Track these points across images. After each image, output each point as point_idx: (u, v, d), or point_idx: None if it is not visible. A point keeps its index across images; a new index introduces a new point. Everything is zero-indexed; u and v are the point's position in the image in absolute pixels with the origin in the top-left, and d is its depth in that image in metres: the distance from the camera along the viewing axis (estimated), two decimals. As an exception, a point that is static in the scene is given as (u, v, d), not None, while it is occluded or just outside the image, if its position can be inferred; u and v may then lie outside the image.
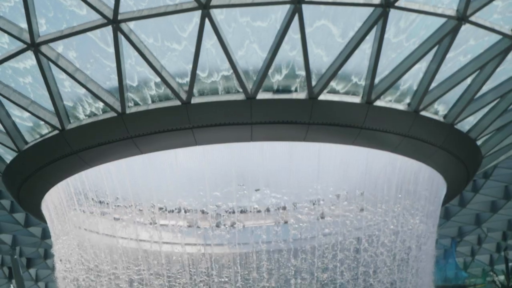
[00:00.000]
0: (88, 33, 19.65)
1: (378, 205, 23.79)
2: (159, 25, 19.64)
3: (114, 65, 19.94)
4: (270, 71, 20.20)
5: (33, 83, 21.43)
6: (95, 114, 21.48)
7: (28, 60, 20.59)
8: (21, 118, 22.70)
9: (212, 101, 20.64)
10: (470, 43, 20.85)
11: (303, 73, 20.22)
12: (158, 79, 20.44)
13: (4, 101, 22.02)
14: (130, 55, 20.06)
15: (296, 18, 18.81)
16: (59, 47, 20.08)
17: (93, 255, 24.48)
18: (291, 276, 23.89)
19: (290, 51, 20.09)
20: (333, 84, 20.67)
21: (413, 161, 23.58)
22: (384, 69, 20.78)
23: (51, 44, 19.86)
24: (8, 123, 22.64)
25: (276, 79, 20.58)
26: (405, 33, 20.22)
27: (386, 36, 19.54)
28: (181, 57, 20.22)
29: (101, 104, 21.20)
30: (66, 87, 21.21)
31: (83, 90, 20.97)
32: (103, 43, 19.97)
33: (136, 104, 21.03)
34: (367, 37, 19.64)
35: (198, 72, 20.09)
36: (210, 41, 19.57)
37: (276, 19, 19.42)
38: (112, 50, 19.71)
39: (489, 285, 53.44)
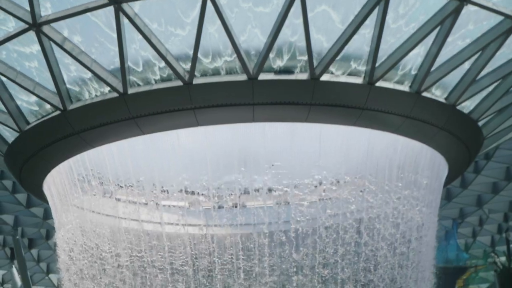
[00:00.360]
0: (93, 18, 19.65)
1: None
2: (163, 10, 19.59)
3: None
4: (272, 55, 20.16)
5: (38, 67, 21.40)
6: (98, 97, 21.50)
7: (35, 45, 20.53)
8: (28, 103, 22.68)
9: (214, 81, 20.60)
10: (469, 28, 20.79)
11: (304, 58, 20.18)
12: (162, 64, 20.40)
13: (9, 83, 22.01)
14: (134, 40, 20.02)
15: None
16: (64, 31, 20.05)
17: (95, 239, 24.57)
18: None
19: (291, 36, 20.05)
20: (333, 69, 20.65)
21: (415, 142, 23.63)
22: (384, 54, 20.70)
23: (54, 27, 19.82)
24: (11, 105, 22.61)
25: (277, 64, 20.54)
26: (404, 18, 20.15)
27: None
28: (184, 42, 20.16)
29: (106, 89, 21.18)
30: (72, 71, 21.19)
31: (88, 74, 20.97)
32: (107, 28, 19.92)
33: (138, 85, 21.02)
34: (367, 22, 19.54)
35: (201, 57, 20.06)
36: (213, 26, 19.53)
37: (278, 4, 19.34)
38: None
39: (490, 266, 53.64)
